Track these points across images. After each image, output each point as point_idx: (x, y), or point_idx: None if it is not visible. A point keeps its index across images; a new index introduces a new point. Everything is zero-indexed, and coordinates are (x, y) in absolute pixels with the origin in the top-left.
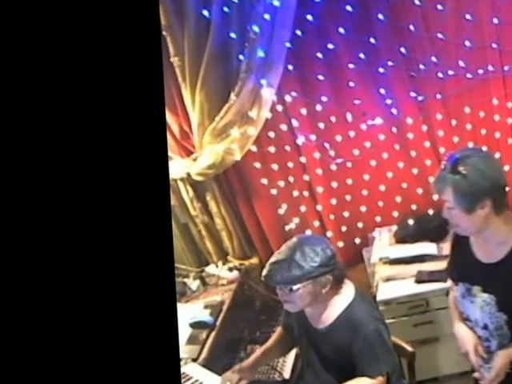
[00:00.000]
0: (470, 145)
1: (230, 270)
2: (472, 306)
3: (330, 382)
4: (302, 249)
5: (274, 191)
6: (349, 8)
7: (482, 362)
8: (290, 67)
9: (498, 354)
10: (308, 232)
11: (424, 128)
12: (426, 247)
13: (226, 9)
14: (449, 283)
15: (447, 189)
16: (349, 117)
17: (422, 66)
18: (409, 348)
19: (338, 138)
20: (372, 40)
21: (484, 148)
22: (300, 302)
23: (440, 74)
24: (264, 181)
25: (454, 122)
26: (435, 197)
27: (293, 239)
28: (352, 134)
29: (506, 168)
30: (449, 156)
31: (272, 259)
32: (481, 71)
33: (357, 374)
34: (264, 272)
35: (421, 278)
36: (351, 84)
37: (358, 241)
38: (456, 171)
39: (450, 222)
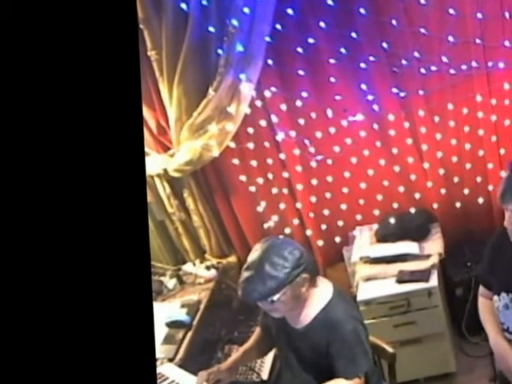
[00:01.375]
0: (453, 142)
1: (208, 268)
2: None
3: (308, 383)
4: (270, 259)
5: (252, 188)
6: (330, 2)
7: None
8: (270, 62)
9: None
10: (287, 230)
11: (406, 125)
12: (408, 246)
13: (204, 2)
14: (481, 290)
15: None
16: (329, 113)
17: (404, 62)
18: (389, 349)
19: (318, 135)
20: (353, 35)
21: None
22: (283, 308)
23: (423, 70)
24: (242, 177)
25: (436, 119)
26: (417, 195)
27: (256, 251)
28: (332, 130)
29: (490, 166)
30: None
31: (243, 276)
32: (464, 67)
33: (334, 375)
34: (239, 291)
35: (402, 278)
36: (332, 79)
37: (338, 239)
38: None
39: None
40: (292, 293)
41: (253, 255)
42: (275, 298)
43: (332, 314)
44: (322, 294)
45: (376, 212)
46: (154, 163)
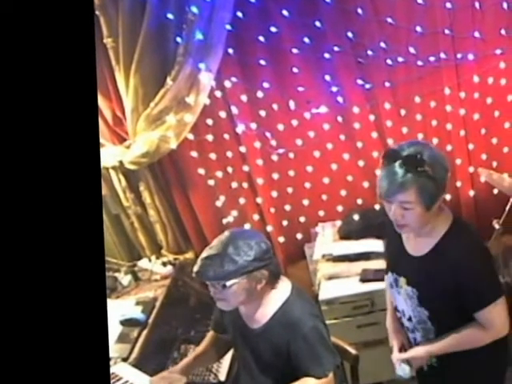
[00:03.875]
0: (420, 136)
1: (164, 264)
2: (398, 297)
3: None
4: (235, 243)
5: (211, 182)
6: None
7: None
8: (230, 51)
9: (414, 348)
10: (247, 226)
11: (371, 118)
12: (372, 244)
13: None
14: None
15: (409, 190)
16: (292, 104)
17: (370, 52)
18: (352, 351)
19: (280, 127)
20: (317, 23)
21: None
22: (234, 299)
23: (389, 61)
24: (201, 171)
25: (403, 112)
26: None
27: (225, 233)
28: (295, 122)
29: (458, 162)
30: (390, 153)
31: (204, 254)
32: (432, 58)
33: (300, 375)
34: (195, 268)
35: (366, 277)
36: (295, 70)
37: (299, 236)
38: (418, 170)
39: (397, 223)
40: (247, 285)
41: (220, 237)
42: (228, 283)
43: (290, 313)
44: (279, 293)
45: (339, 208)
46: (110, 155)
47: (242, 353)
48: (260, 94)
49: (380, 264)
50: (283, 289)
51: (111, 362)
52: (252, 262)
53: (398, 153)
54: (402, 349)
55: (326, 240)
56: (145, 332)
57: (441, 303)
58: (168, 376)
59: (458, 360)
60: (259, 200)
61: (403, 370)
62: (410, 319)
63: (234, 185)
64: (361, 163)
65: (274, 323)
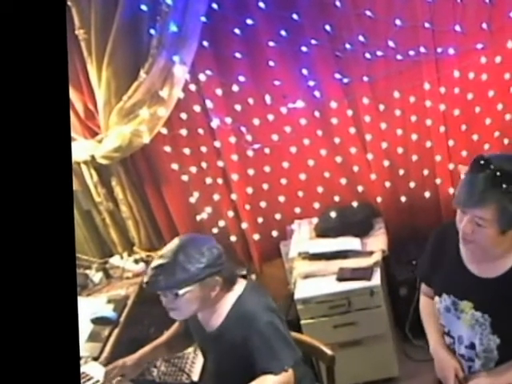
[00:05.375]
0: (399, 132)
1: (136, 261)
2: (457, 322)
3: None
4: (185, 250)
5: (185, 177)
6: None
7: None
8: (205, 43)
9: (474, 380)
10: (221, 223)
11: (349, 113)
12: (349, 242)
13: None
14: (423, 288)
15: (489, 206)
16: (268, 99)
17: (348, 46)
18: (328, 351)
19: (256, 122)
20: (294, 16)
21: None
22: (186, 309)
23: (368, 55)
24: (174, 166)
25: (381, 107)
26: (359, 188)
27: (175, 241)
28: (271, 117)
29: (438, 159)
30: (480, 161)
31: (154, 264)
32: (412, 52)
33: (259, 373)
34: (145, 278)
35: (343, 276)
36: (271, 63)
37: (275, 233)
38: (503, 188)
39: (464, 237)
40: (200, 293)
41: (170, 245)
42: (181, 292)
43: (244, 308)
44: (233, 293)
45: (316, 205)
46: (81, 149)
47: (206, 355)
48: (235, 88)
49: (357, 262)
50: (237, 289)
51: (81, 362)
52: (204, 269)
53: (489, 163)
54: (456, 379)
55: (302, 238)
56: (116, 331)
57: None
58: (122, 365)
59: None
60: (234, 196)
61: None
62: (471, 347)
63: (209, 180)
64: (338, 159)
65: (228, 322)
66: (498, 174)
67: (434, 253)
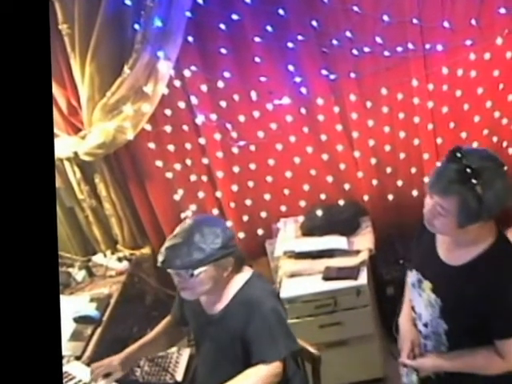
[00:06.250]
0: (386, 129)
1: (120, 260)
2: (419, 299)
3: (227, 375)
4: (200, 230)
5: (169, 175)
6: None
7: (405, 362)
8: (190, 39)
9: (423, 358)
10: None
11: (336, 110)
12: (335, 241)
13: None
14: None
15: (451, 198)
16: (253, 95)
17: (335, 42)
18: (314, 351)
19: (241, 119)
20: (281, 11)
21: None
22: (200, 288)
23: (355, 51)
24: (159, 163)
25: (368, 104)
26: (346, 186)
27: (187, 221)
28: (256, 114)
29: (426, 157)
30: (456, 152)
31: (168, 243)
32: (400, 49)
33: (255, 358)
34: (160, 257)
35: (329, 275)
36: (257, 59)
37: (260, 232)
38: (469, 184)
39: (427, 219)
40: (214, 272)
41: (183, 225)
42: (196, 271)
43: (250, 292)
44: (241, 276)
45: (302, 203)
46: (64, 146)
47: (201, 344)
48: (220, 84)
49: (343, 261)
50: (245, 272)
51: (64, 361)
52: (219, 250)
53: (463, 157)
54: (411, 352)
55: (288, 236)
56: (99, 330)
57: (463, 320)
58: (107, 365)
59: (471, 376)
60: (219, 194)
61: (410, 380)
62: (426, 325)
63: (193, 178)
64: (325, 157)
65: (233, 304)
66: (469, 170)
67: (420, 231)
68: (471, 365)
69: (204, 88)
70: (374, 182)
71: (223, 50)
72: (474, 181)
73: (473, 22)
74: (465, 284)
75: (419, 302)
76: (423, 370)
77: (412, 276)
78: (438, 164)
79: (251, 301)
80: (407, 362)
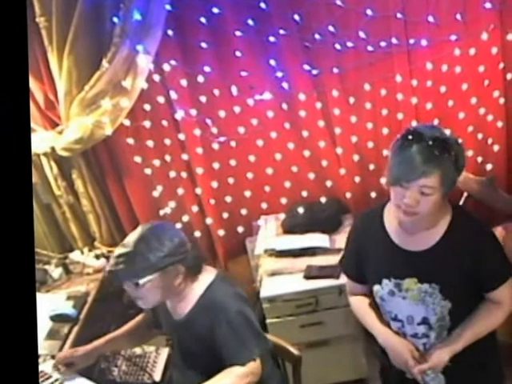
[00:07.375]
0: (369, 126)
1: (97, 257)
2: (404, 303)
3: (196, 380)
4: (146, 239)
5: (148, 171)
6: None
7: (424, 368)
8: (170, 32)
9: (435, 353)
10: (185, 218)
11: (318, 105)
12: (317, 239)
13: None
14: (352, 288)
15: (434, 174)
16: (234, 90)
17: (317, 36)
18: (295, 351)
19: (222, 114)
20: (262, 5)
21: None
22: (151, 297)
23: (338, 46)
24: (137, 159)
25: (351, 100)
26: (328, 183)
27: (138, 229)
28: (237, 109)
29: None
30: (413, 135)
31: (116, 252)
32: (383, 44)
33: (226, 362)
34: (107, 267)
35: (310, 274)
36: (238, 53)
37: (240, 229)
38: (445, 153)
39: (409, 209)
40: (162, 282)
41: (132, 233)
42: (141, 281)
43: (214, 296)
44: (202, 282)
45: (283, 200)
46: (41, 140)
47: (173, 347)
48: (201, 79)
49: (325, 260)
50: (206, 278)
51: (40, 360)
52: (164, 258)
53: (420, 135)
54: (415, 359)
55: (269, 234)
56: (76, 328)
57: (462, 291)
58: (71, 354)
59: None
60: (198, 190)
61: (439, 381)
62: (423, 322)
63: (172, 174)
64: (306, 153)
65: (197, 310)
66: (431, 142)
67: (359, 246)
68: (479, 328)
69: (184, 83)
70: (357, 179)
71: (203, 44)
72: (441, 151)
73: (458, 16)
74: (447, 259)
75: (405, 305)
76: (440, 365)
77: (384, 287)
78: (391, 155)
79: (215, 305)
80: (423, 367)
